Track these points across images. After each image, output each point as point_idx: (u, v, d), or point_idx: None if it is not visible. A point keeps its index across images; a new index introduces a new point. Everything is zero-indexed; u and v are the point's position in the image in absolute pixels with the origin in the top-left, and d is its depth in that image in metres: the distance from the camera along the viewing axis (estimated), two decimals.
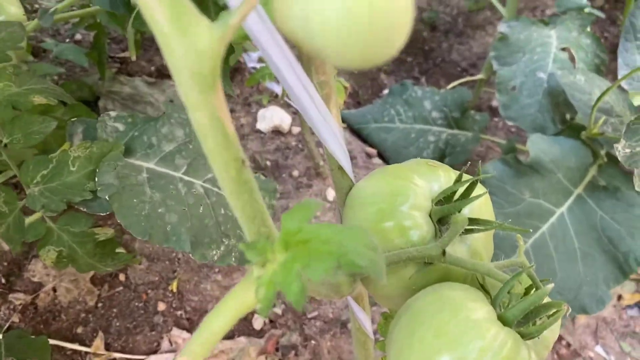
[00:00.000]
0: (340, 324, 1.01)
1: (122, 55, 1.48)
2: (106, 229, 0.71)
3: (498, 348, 0.30)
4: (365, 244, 0.22)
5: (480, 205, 0.38)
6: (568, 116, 1.03)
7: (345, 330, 1.01)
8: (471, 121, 1.33)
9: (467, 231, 0.36)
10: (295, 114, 1.35)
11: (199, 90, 0.21)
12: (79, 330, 0.97)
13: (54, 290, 1.00)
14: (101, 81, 1.31)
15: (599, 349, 1.08)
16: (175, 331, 0.98)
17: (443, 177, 0.39)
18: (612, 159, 0.94)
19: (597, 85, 0.93)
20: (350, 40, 0.15)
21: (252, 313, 0.94)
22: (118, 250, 0.76)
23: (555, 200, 0.87)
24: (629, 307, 1.15)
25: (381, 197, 0.37)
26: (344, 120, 1.38)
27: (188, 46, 0.20)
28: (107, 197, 0.62)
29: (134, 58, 0.88)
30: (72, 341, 0.95)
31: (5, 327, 0.91)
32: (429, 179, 0.38)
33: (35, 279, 1.00)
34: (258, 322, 1.02)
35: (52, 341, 0.92)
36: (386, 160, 1.36)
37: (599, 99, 0.82)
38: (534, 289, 0.35)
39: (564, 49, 1.06)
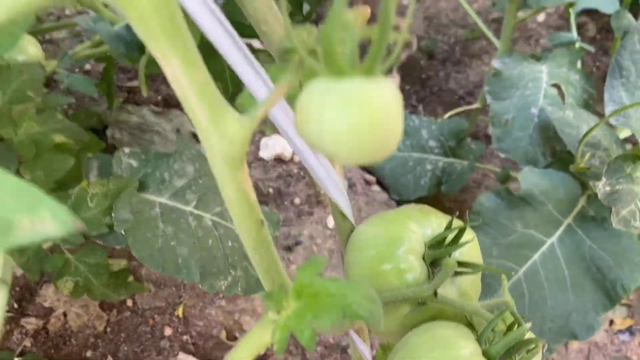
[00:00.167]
0: (340, 350, 1.05)
1: (129, 84, 1.53)
2: (119, 260, 0.75)
3: None
4: (366, 296, 0.26)
5: (469, 249, 0.42)
6: (558, 148, 1.07)
7: (345, 355, 1.04)
8: (467, 150, 1.38)
9: (457, 273, 0.40)
10: None
11: (228, 169, 0.25)
12: (89, 354, 1.00)
13: (65, 315, 1.03)
14: (109, 110, 1.36)
15: None
16: (182, 355, 1.01)
17: (435, 222, 0.43)
18: None
19: (584, 120, 0.98)
20: (355, 148, 0.20)
21: None
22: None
23: (545, 230, 0.91)
24: (621, 331, 1.18)
25: (380, 241, 0.42)
26: None
27: (221, 135, 0.24)
28: (122, 232, 0.66)
29: (145, 94, 0.93)
30: None
31: (19, 351, 0.95)
32: (423, 225, 0.42)
33: (47, 304, 1.03)
34: None
35: None
36: (385, 187, 1.40)
37: (585, 135, 0.87)
38: (517, 325, 0.39)
39: (554, 85, 1.11)
